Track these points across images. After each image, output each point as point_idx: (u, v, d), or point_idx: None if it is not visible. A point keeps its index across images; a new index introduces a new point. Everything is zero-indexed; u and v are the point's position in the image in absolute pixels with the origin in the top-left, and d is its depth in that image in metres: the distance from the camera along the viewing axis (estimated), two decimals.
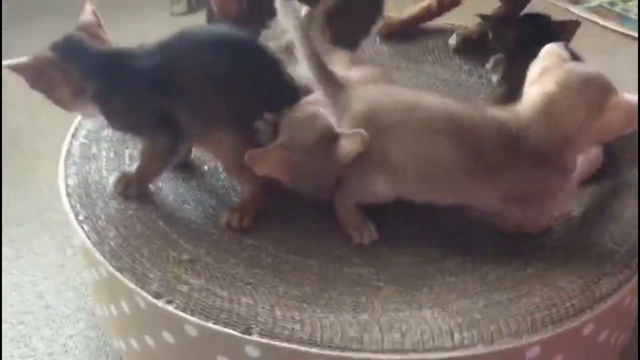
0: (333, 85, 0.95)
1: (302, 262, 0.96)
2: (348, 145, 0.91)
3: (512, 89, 1.13)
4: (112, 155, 1.13)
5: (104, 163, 1.11)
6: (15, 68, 0.95)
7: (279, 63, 1.01)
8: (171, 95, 0.96)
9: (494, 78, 1.28)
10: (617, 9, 2.03)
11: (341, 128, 0.92)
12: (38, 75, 0.96)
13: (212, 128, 0.97)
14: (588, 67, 0.91)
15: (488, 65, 1.32)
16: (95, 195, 1.05)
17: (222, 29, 1.04)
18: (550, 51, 0.92)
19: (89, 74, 0.97)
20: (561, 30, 1.20)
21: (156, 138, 0.99)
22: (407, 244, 0.98)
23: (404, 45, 1.41)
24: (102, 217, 1.01)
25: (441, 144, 0.89)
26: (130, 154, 1.13)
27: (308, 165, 0.93)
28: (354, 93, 0.94)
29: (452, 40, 1.40)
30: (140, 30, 2.01)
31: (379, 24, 1.40)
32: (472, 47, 1.39)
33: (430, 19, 1.44)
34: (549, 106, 0.87)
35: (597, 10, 2.02)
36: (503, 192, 0.91)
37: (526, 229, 0.97)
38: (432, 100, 0.93)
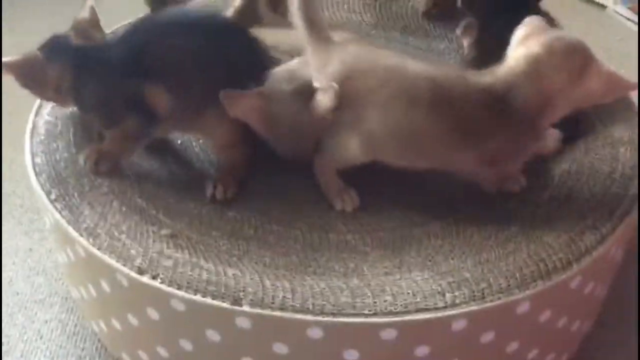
0: (318, 35, 0.93)
1: (287, 232, 0.95)
2: (323, 99, 0.89)
3: (484, 53, 1.13)
4: (79, 131, 1.08)
5: (72, 139, 1.07)
6: (5, 67, 0.94)
7: (253, 38, 0.99)
8: (143, 80, 0.94)
9: (465, 43, 1.28)
10: None
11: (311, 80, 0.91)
12: (27, 75, 0.95)
13: (203, 111, 0.95)
14: (571, 35, 0.92)
15: (458, 31, 1.31)
16: (66, 173, 1.00)
17: (188, 10, 1.03)
18: (533, 20, 0.93)
19: (64, 70, 0.95)
20: None
21: (127, 122, 0.96)
22: (390, 209, 0.97)
23: (372, 12, 1.39)
24: (75, 195, 0.97)
25: (421, 112, 0.88)
26: (99, 129, 1.09)
27: (286, 117, 0.91)
28: (336, 50, 0.92)
29: (421, 5, 1.39)
30: None
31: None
32: (441, 12, 1.38)
33: None
34: (534, 67, 0.87)
35: None
36: (480, 155, 0.90)
37: (496, 185, 0.98)
38: (414, 66, 0.91)
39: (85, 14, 1.00)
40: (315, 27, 0.93)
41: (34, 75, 0.95)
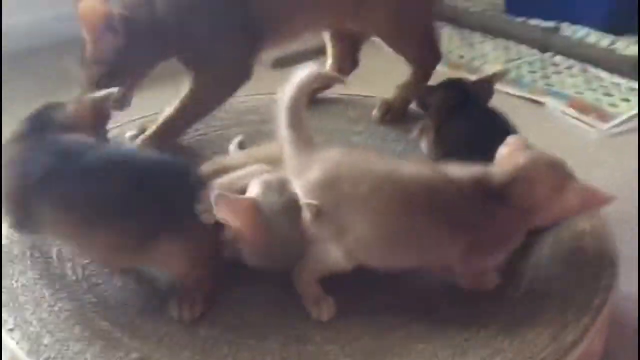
0: (299, 139, 0.92)
1: (262, 346, 0.91)
2: (305, 214, 0.88)
3: (445, 153, 1.16)
4: (36, 253, 1.03)
5: (29, 263, 1.01)
6: None
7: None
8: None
9: (422, 144, 1.31)
10: (512, 75, 2.18)
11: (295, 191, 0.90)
12: None
13: (155, 240, 0.90)
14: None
15: (414, 133, 1.34)
16: (24, 299, 0.94)
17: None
18: (515, 139, 0.97)
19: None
20: (480, 90, 1.25)
21: None
22: (368, 314, 0.95)
23: (327, 118, 1.42)
24: (34, 322, 0.91)
25: (418, 214, 0.87)
26: (57, 252, 1.04)
27: (277, 228, 0.89)
28: (317, 155, 0.92)
29: (376, 111, 1.42)
30: None
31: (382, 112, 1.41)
32: (393, 118, 1.42)
33: (329, 87, 1.46)
34: (523, 174, 0.90)
35: None
36: (469, 247, 0.90)
37: (473, 282, 0.97)
38: (407, 169, 0.90)
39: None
40: (298, 131, 0.93)
41: None
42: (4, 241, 1.05)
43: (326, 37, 1.45)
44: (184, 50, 1.18)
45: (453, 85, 1.28)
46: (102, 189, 0.88)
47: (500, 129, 1.13)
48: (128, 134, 1.26)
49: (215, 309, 0.95)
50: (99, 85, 1.08)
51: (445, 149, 1.16)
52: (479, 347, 0.89)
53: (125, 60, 1.10)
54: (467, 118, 1.19)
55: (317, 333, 0.92)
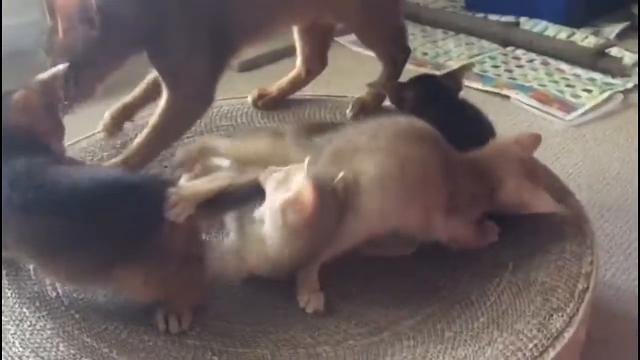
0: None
1: (253, 353, 0.90)
2: None
3: None
4: (12, 272, 1.00)
5: (5, 282, 0.98)
6: None
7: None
8: None
9: None
10: (476, 70, 2.21)
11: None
12: None
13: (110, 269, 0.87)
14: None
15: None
16: (4, 319, 0.92)
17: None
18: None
19: None
20: (451, 82, 1.27)
21: None
22: (356, 313, 0.95)
23: (302, 120, 1.41)
24: (16, 342, 0.88)
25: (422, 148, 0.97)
26: (33, 267, 1.01)
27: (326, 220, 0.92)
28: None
29: (350, 110, 1.43)
30: None
31: (254, 96, 1.43)
32: (367, 114, 1.42)
33: (301, 87, 1.46)
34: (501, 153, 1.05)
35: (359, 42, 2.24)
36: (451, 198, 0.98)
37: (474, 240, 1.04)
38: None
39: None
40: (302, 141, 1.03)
41: None
42: None
43: (295, 38, 1.45)
44: (155, 55, 1.16)
45: (426, 80, 1.30)
46: (56, 220, 0.85)
47: (473, 119, 1.16)
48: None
49: (202, 317, 0.94)
50: (67, 77, 1.02)
51: None
52: (470, 340, 0.90)
53: (96, 53, 1.06)
54: (441, 111, 1.20)
55: (308, 336, 0.92)
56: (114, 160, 1.17)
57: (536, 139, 1.09)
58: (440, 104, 1.22)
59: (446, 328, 0.93)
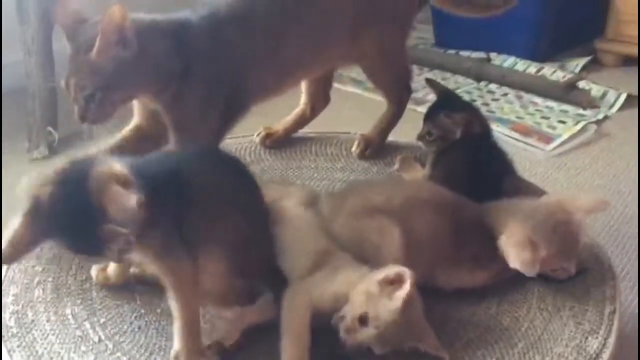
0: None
1: None
2: None
3: (439, 175, 1.22)
4: (52, 317, 1.00)
5: (47, 328, 0.98)
6: None
7: None
8: None
9: (406, 176, 1.36)
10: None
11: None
12: None
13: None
14: None
15: (395, 167, 1.40)
16: None
17: None
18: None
19: None
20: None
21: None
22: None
23: (308, 157, 1.45)
24: None
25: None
26: (72, 311, 1.01)
27: None
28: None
29: (355, 147, 1.47)
30: (4, 183, 1.84)
31: (262, 135, 1.46)
32: (372, 152, 1.47)
33: (305, 124, 1.51)
34: None
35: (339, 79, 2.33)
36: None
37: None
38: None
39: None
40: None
41: None
42: (15, 307, 1.00)
43: None
44: (170, 104, 1.15)
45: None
46: None
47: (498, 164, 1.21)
48: None
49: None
50: (90, 98, 1.06)
51: (440, 173, 1.22)
52: None
53: (124, 76, 1.07)
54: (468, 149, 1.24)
55: None
56: None
57: (601, 206, 1.09)
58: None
59: (486, 355, 0.96)
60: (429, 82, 1.40)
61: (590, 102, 2.33)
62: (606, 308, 1.03)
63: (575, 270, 1.05)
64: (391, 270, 0.92)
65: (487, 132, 1.30)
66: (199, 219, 0.90)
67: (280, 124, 1.50)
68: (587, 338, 0.98)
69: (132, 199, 0.81)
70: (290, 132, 1.50)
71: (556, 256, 1.02)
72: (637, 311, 1.45)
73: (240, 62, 1.19)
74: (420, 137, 1.31)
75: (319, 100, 1.50)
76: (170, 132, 1.18)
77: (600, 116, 2.26)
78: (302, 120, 1.50)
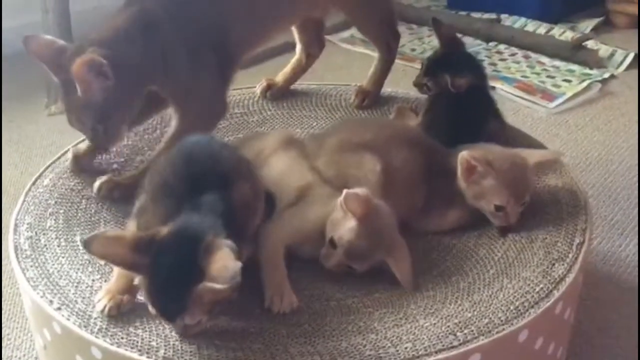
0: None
1: None
2: None
3: (432, 120, 1.29)
4: (63, 242, 1.09)
5: (58, 251, 1.07)
6: None
7: None
8: None
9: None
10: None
11: None
12: None
13: None
14: None
15: (391, 116, 1.46)
16: (64, 283, 1.01)
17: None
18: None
19: None
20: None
21: None
22: (377, 273, 1.04)
23: (308, 108, 1.51)
24: (79, 300, 0.97)
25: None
26: (81, 239, 1.10)
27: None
28: None
29: (353, 98, 1.53)
30: (23, 136, 1.95)
31: (263, 86, 1.52)
32: (370, 103, 1.53)
33: (303, 72, 1.56)
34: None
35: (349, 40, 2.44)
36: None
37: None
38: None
39: None
40: None
41: None
42: (29, 233, 1.10)
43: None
44: (164, 82, 1.21)
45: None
46: None
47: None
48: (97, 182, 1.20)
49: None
50: (95, 130, 1.12)
51: (433, 118, 1.29)
52: (483, 288, 1.01)
53: (116, 98, 1.11)
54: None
55: (337, 291, 1.02)
56: (129, 173, 1.23)
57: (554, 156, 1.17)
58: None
59: (460, 280, 1.04)
60: (435, 22, 1.38)
61: (597, 62, 2.35)
62: (576, 239, 1.09)
63: (515, 219, 1.11)
64: (349, 191, 0.99)
65: (482, 84, 1.34)
66: None
67: (280, 75, 1.56)
68: (553, 264, 1.04)
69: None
70: (290, 82, 1.55)
71: (504, 188, 1.08)
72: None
73: (217, 19, 1.23)
74: (418, 86, 1.36)
75: (313, 47, 1.54)
76: (173, 107, 1.24)
77: (607, 75, 2.27)
78: (300, 69, 1.55)
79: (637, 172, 1.76)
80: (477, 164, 1.07)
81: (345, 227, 0.98)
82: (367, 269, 1.01)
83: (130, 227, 0.98)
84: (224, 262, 0.82)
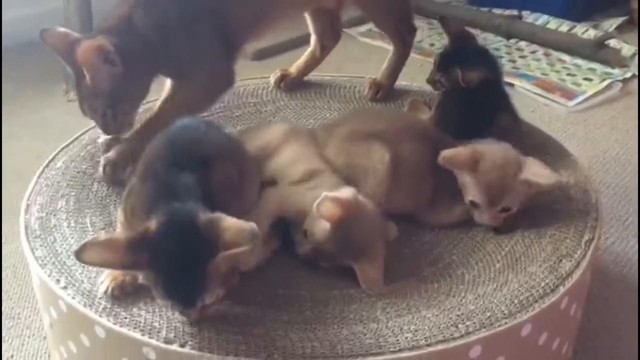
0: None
1: (293, 294, 1.00)
2: None
3: (443, 114, 1.28)
4: (72, 224, 1.11)
5: (67, 232, 1.09)
6: None
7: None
8: None
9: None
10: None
11: None
12: None
13: None
14: None
15: (405, 109, 1.45)
16: (71, 262, 1.02)
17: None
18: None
19: None
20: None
21: None
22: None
23: (322, 99, 1.51)
24: (85, 281, 0.99)
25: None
26: (90, 220, 1.12)
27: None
28: None
29: (368, 91, 1.53)
30: (41, 120, 1.98)
31: (277, 77, 1.51)
32: (384, 95, 1.52)
33: (317, 64, 1.55)
34: None
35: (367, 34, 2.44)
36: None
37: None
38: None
39: None
40: None
41: None
42: (40, 213, 1.12)
43: (307, 17, 1.53)
44: (169, 66, 1.23)
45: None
46: None
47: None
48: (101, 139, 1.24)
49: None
50: (105, 116, 1.14)
51: (445, 112, 1.28)
52: (488, 281, 1.01)
53: (124, 86, 1.13)
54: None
55: (340, 280, 1.02)
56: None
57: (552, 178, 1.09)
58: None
59: (465, 273, 1.03)
60: (441, 20, 1.37)
61: (619, 61, 2.31)
62: (585, 236, 1.08)
63: (492, 221, 1.09)
64: (329, 194, 0.97)
65: (495, 79, 1.32)
66: None
67: (294, 66, 1.56)
68: (561, 260, 1.03)
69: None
70: (303, 73, 1.55)
71: (479, 187, 1.07)
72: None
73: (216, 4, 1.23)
74: (432, 83, 1.35)
75: (327, 38, 1.53)
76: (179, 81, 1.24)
77: (628, 75, 2.24)
78: (314, 61, 1.55)
79: None
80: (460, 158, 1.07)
81: (318, 226, 0.98)
82: (334, 268, 1.01)
83: (119, 217, 0.99)
84: (237, 226, 0.83)
